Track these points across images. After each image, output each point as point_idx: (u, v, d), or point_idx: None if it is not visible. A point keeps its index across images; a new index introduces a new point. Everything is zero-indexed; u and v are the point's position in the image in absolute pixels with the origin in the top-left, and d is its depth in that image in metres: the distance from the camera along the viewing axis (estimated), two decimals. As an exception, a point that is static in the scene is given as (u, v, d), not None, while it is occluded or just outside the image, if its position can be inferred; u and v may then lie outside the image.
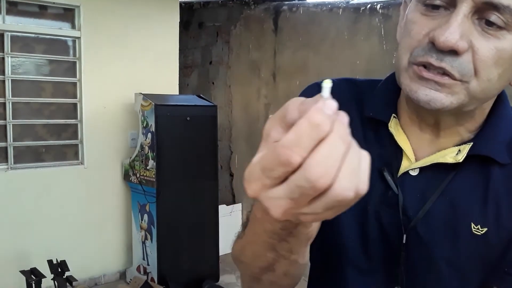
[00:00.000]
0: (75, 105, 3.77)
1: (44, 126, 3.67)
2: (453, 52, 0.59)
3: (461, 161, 0.67)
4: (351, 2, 4.05)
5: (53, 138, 3.71)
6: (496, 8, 0.57)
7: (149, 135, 3.63)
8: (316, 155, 0.37)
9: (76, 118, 3.78)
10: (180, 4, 4.33)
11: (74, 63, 3.72)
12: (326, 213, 0.40)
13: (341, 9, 3.98)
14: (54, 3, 3.54)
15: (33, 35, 3.54)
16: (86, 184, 3.78)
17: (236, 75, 4.88)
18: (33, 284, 2.90)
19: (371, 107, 0.75)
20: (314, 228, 0.56)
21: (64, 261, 3.04)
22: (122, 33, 3.85)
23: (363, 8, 3.82)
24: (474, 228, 0.65)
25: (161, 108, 3.59)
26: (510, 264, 0.64)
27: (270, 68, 4.57)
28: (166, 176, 3.61)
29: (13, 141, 3.50)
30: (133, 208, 3.89)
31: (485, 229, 0.65)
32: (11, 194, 3.45)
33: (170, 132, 3.63)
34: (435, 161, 0.68)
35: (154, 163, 3.59)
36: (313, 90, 0.81)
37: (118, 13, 3.82)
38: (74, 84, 3.74)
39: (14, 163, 3.50)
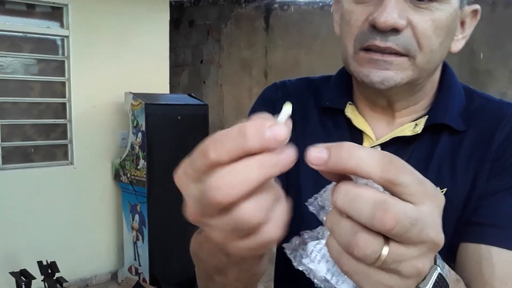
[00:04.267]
0: (64, 104, 3.73)
1: (33, 126, 3.63)
2: (395, 31, 0.63)
3: (419, 132, 0.71)
4: (342, 0, 4.05)
5: (42, 138, 3.67)
6: None
7: (140, 134, 3.60)
8: (228, 167, 0.34)
9: (65, 117, 3.74)
10: (170, 2, 4.29)
11: (63, 62, 3.68)
12: (230, 235, 0.37)
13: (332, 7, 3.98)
14: (42, 1, 3.50)
15: (21, 34, 3.50)
16: (76, 185, 3.74)
17: (228, 74, 4.86)
18: (23, 286, 2.87)
19: (327, 98, 0.79)
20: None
21: (54, 262, 3.01)
22: (111, 32, 3.82)
23: (354, 6, 3.81)
24: None
25: (151, 107, 3.56)
26: (470, 213, 0.67)
27: (262, 67, 4.56)
28: (157, 175, 3.58)
29: (1, 141, 3.45)
30: (123, 208, 3.86)
31: (444, 190, 0.68)
32: (0, 195, 3.41)
33: (161, 131, 3.61)
34: (393, 136, 0.72)
35: (145, 163, 3.56)
36: (271, 90, 0.88)
37: (107, 12, 3.79)
38: (63, 83, 3.70)
39: (3, 163, 3.46)
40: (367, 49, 0.66)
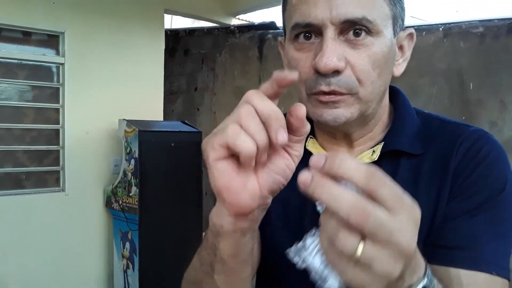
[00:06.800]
0: (57, 131, 3.72)
1: (25, 153, 3.61)
2: (336, 73, 0.68)
3: (376, 159, 0.75)
4: (335, 30, 4.11)
5: (34, 164, 3.64)
6: (354, 22, 0.67)
7: (133, 161, 3.59)
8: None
9: (58, 144, 3.73)
10: (166, 31, 4.35)
11: (58, 89, 3.69)
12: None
13: (324, 38, 4.04)
14: (38, 29, 3.53)
15: (17, 61, 3.52)
16: (67, 212, 3.69)
17: (221, 101, 4.89)
18: (9, 316, 2.81)
19: None
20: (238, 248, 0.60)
21: (42, 291, 2.96)
22: (107, 60, 3.85)
23: (346, 36, 3.88)
24: None
25: (145, 134, 3.56)
26: (435, 236, 0.70)
27: (255, 95, 4.59)
28: (149, 203, 3.55)
29: (-8, 167, 3.43)
30: (114, 236, 3.81)
31: None
32: (-11, 222, 3.36)
33: (154, 158, 3.60)
34: None
35: (137, 190, 3.53)
36: None
37: (103, 40, 3.82)
38: (57, 110, 3.70)
39: (-7, 190, 3.42)
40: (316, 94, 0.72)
